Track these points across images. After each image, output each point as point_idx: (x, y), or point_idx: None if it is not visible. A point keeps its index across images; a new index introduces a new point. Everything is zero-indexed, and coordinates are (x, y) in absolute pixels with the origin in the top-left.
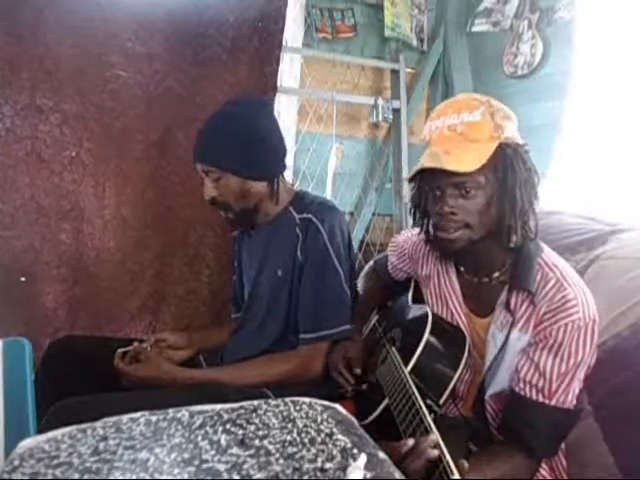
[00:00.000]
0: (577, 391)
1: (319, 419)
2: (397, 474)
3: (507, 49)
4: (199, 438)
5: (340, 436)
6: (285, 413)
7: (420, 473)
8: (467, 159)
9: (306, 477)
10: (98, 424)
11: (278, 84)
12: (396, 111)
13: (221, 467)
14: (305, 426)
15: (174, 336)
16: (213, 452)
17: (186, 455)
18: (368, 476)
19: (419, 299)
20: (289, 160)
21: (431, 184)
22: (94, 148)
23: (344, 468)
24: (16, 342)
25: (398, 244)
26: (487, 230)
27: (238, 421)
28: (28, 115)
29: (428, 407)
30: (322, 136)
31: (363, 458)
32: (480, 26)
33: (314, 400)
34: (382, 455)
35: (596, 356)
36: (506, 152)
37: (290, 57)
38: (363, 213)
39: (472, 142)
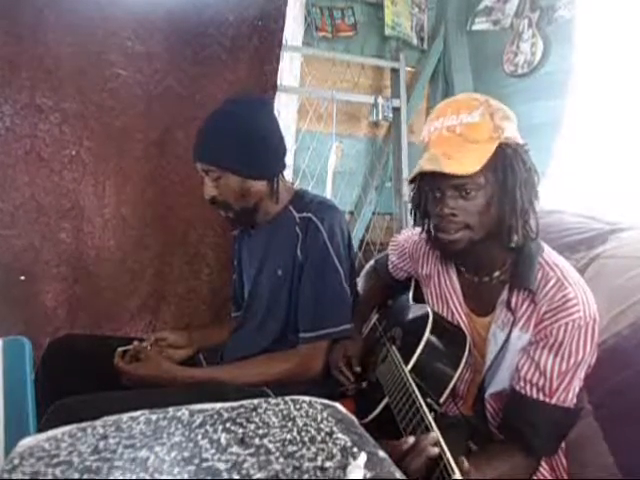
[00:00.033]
0: (577, 390)
1: (319, 418)
2: (397, 473)
3: (507, 48)
4: (199, 437)
5: (340, 435)
6: (285, 412)
7: (420, 471)
8: (467, 161)
9: (306, 476)
10: (98, 423)
11: (278, 83)
12: (396, 110)
13: (221, 466)
14: (305, 425)
15: (174, 335)
16: (213, 451)
17: (186, 454)
18: (368, 475)
19: (420, 298)
20: (289, 159)
21: (431, 186)
22: (94, 147)
23: (344, 467)
24: (16, 341)
25: (399, 243)
26: (488, 230)
27: (238, 420)
28: (28, 114)
29: (428, 406)
30: (322, 135)
31: (363, 457)
32: (480, 25)
33: (314, 399)
34: (382, 454)
35: (596, 355)
36: (506, 152)
37: (290, 56)
38: (363, 212)
39: (472, 143)
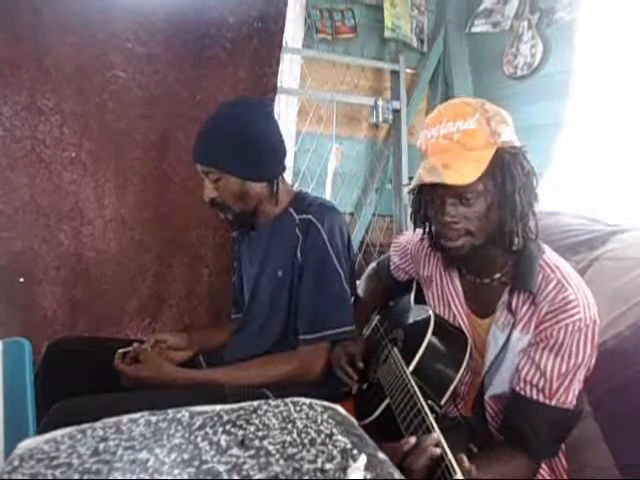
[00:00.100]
0: (577, 392)
1: (319, 420)
2: (397, 475)
3: (507, 50)
4: (199, 439)
5: (340, 437)
6: (285, 414)
7: (422, 471)
8: (466, 171)
9: (306, 478)
10: (98, 425)
11: (278, 85)
12: (396, 112)
13: (221, 468)
14: (305, 427)
15: (174, 337)
16: (213, 453)
17: (186, 456)
18: (368, 477)
19: (421, 300)
20: (289, 161)
21: (431, 195)
22: (94, 148)
23: (344, 469)
24: (16, 343)
25: (400, 244)
26: (488, 235)
27: (238, 422)
28: (28, 115)
29: (429, 407)
30: (322, 137)
31: (363, 459)
32: (480, 27)
33: (314, 401)
34: (382, 456)
35: (596, 356)
36: (504, 157)
37: (290, 58)
38: (363, 214)
39: (469, 150)
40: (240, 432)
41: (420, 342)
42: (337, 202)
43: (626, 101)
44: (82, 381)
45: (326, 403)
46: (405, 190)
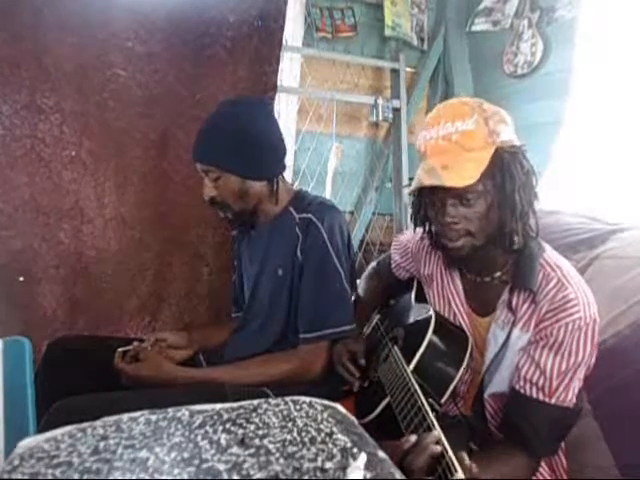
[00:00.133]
0: (577, 390)
1: (319, 418)
2: (397, 474)
3: (507, 48)
4: (199, 437)
5: (340, 435)
6: (285, 412)
7: (422, 470)
8: (465, 172)
9: (306, 477)
10: (98, 423)
11: (278, 83)
12: (396, 110)
13: (221, 467)
14: (305, 425)
15: (174, 336)
16: (213, 451)
17: (186, 454)
18: (368, 476)
19: (422, 299)
20: (289, 159)
21: (431, 197)
22: (94, 147)
23: (344, 467)
24: (16, 342)
25: (401, 242)
26: (489, 235)
27: (238, 420)
28: (27, 114)
29: (430, 406)
30: (322, 135)
31: (363, 457)
32: (480, 25)
33: (314, 399)
34: (382, 454)
35: (596, 355)
36: (503, 157)
37: (290, 56)
38: (363, 212)
39: (468, 151)
40: (240, 431)
41: (421, 341)
42: (337, 201)
43: (626, 100)
44: (82, 380)
45: (326, 402)
46: (406, 191)
